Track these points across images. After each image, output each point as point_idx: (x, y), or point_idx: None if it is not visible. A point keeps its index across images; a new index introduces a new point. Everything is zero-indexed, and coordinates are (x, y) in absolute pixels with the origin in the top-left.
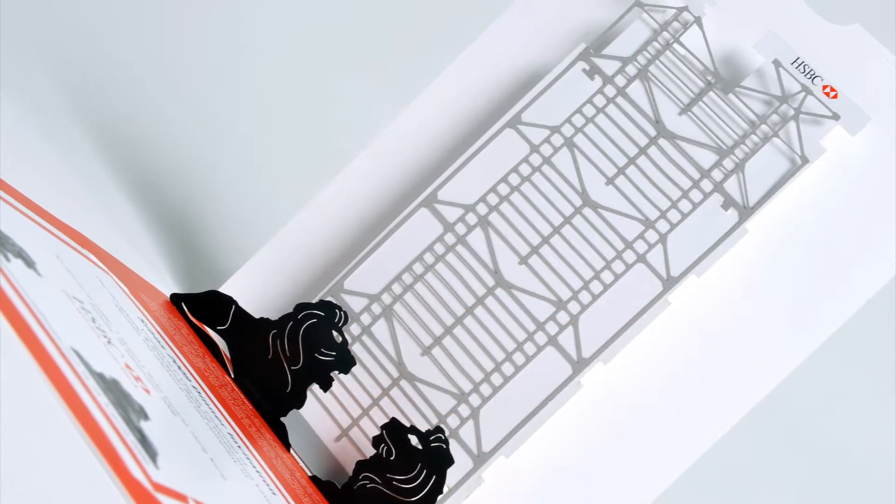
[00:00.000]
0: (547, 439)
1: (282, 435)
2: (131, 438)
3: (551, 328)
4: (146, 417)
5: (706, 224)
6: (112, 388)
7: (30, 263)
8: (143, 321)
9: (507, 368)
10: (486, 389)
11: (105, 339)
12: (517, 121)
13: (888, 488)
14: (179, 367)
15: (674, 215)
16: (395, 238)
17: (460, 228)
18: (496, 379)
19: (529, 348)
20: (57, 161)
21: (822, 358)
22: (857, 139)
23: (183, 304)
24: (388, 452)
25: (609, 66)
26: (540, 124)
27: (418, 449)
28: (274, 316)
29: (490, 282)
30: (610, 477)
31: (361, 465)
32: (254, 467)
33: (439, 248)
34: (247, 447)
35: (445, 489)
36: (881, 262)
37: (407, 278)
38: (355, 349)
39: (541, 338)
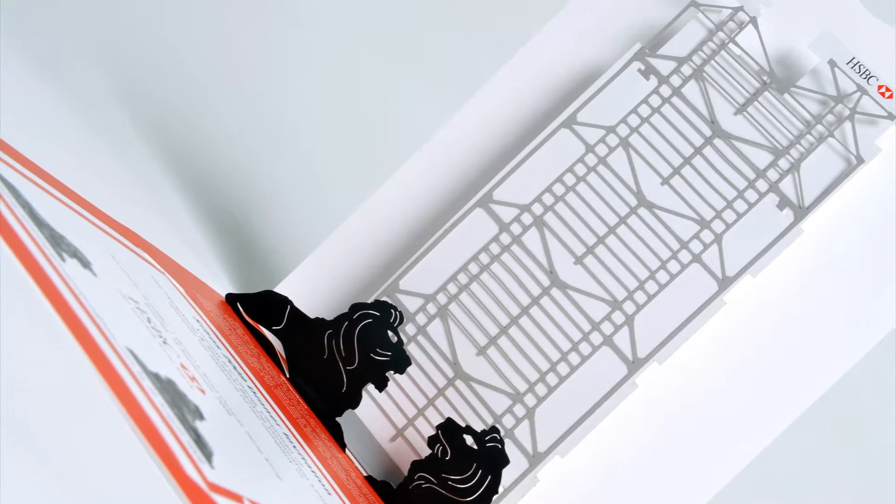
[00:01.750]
0: (602, 439)
1: (337, 435)
2: (186, 438)
3: (606, 328)
4: (201, 417)
5: (761, 224)
6: (167, 388)
7: (85, 263)
8: (198, 321)
9: (563, 368)
10: (541, 389)
11: (160, 339)
12: (572, 121)
13: None
14: (235, 367)
15: (729, 215)
16: (451, 238)
17: (515, 228)
18: (551, 379)
19: (585, 348)
20: (112, 161)
21: (877, 357)
22: None
23: (238, 303)
24: (444, 452)
25: (664, 66)
26: (595, 124)
27: (474, 449)
28: (329, 316)
29: (545, 282)
30: (665, 477)
31: (417, 465)
32: (309, 467)
33: (494, 248)
34: (302, 447)
35: (501, 489)
36: None
37: (462, 278)
38: (410, 349)
39: (596, 338)
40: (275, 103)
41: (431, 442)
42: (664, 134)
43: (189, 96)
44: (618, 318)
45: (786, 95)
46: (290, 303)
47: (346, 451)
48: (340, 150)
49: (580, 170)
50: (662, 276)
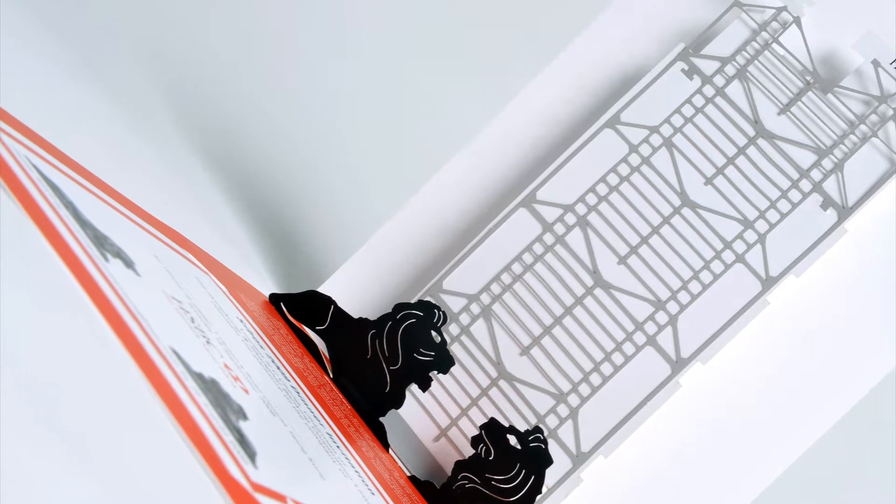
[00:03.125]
0: (646, 439)
1: (381, 435)
2: (230, 438)
3: (650, 328)
4: (245, 417)
5: (805, 224)
6: (211, 388)
7: (129, 264)
8: (241, 321)
9: (606, 368)
10: (584, 389)
11: (204, 340)
12: (616, 121)
13: None
14: (278, 367)
15: (773, 215)
16: (494, 238)
17: (559, 228)
18: (595, 379)
19: (628, 348)
20: (155, 161)
21: None
22: None
23: (282, 303)
24: (487, 452)
25: (708, 66)
26: (639, 124)
27: (517, 449)
28: (373, 316)
29: (589, 282)
30: (709, 477)
31: (460, 465)
32: (353, 467)
33: (538, 248)
34: (346, 447)
35: (544, 489)
36: None
37: (506, 278)
38: (454, 349)
39: (640, 338)
40: (319, 104)
41: (475, 442)
42: (708, 134)
43: (234, 97)
44: (661, 317)
45: (829, 95)
46: (334, 303)
47: (390, 450)
48: (384, 150)
49: (624, 170)
50: (706, 276)
